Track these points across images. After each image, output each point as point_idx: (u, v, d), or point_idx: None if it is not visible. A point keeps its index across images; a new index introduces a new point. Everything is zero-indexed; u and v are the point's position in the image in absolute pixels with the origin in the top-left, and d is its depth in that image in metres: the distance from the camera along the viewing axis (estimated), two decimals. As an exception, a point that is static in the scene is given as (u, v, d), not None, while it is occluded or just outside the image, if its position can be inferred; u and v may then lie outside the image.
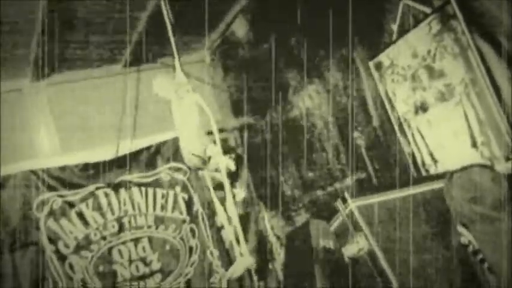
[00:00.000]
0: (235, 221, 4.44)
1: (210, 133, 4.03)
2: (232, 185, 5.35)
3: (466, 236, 3.60)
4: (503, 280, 3.31)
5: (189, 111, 3.91)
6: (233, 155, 5.24)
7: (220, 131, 4.57)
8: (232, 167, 4.22)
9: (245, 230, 5.26)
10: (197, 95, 3.95)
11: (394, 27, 4.57)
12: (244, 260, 4.19)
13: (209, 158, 4.04)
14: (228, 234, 5.10)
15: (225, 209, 4.74)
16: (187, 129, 3.97)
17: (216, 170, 4.22)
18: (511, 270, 3.28)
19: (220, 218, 5.06)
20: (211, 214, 5.30)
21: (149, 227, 5.08)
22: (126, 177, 5.09)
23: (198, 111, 3.93)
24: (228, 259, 5.22)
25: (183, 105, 3.89)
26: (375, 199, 3.87)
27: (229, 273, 4.49)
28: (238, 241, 4.17)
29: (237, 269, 4.28)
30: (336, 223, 4.10)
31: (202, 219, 5.30)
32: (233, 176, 5.41)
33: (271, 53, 5.33)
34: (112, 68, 5.35)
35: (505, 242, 3.33)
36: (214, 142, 4.05)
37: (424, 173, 4.50)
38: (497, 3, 3.69)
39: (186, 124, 3.95)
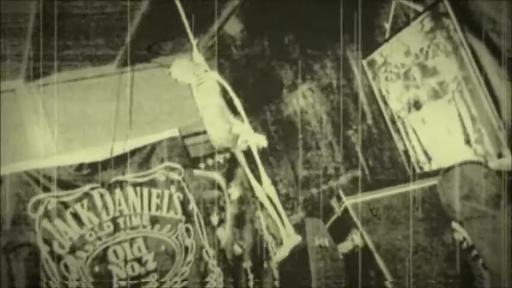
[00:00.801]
0: (276, 202, 4.36)
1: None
2: (227, 184, 5.37)
3: (460, 233, 3.62)
4: (502, 277, 3.33)
5: (210, 92, 3.86)
6: (226, 155, 5.25)
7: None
8: (265, 143, 4.13)
9: (240, 229, 5.27)
10: (216, 73, 3.92)
11: (387, 25, 4.59)
12: (291, 239, 4.15)
13: (237, 136, 3.98)
14: (267, 216, 4.99)
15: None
16: (211, 110, 3.92)
17: (245, 149, 4.15)
18: (506, 266, 3.30)
19: (261, 199, 4.98)
20: (207, 213, 5.30)
21: (144, 227, 5.07)
22: (121, 177, 5.07)
23: (220, 91, 3.89)
24: (223, 258, 5.22)
25: (204, 87, 3.85)
26: (370, 196, 3.89)
27: (278, 256, 4.44)
28: (282, 223, 4.14)
29: (285, 250, 4.22)
30: (330, 221, 4.12)
31: (198, 218, 5.30)
32: (228, 175, 5.42)
33: (265, 52, 5.34)
34: (106, 67, 5.34)
35: (499, 238, 3.35)
36: (242, 120, 4.00)
37: (418, 170, 4.52)
38: (490, 1, 3.71)
39: (209, 105, 3.90)
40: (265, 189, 4.39)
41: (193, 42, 3.94)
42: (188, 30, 3.92)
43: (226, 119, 3.93)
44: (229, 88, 3.87)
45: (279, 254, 4.43)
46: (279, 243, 4.78)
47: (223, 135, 3.96)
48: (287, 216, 4.56)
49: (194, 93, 3.94)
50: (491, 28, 3.75)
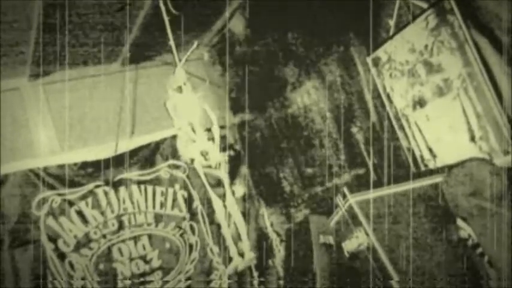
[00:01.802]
0: (237, 217, 4.45)
1: (208, 130, 4.03)
2: (232, 181, 5.38)
3: (465, 230, 3.62)
4: (503, 273, 3.32)
5: (188, 108, 3.91)
6: (230, 152, 5.26)
7: (219, 127, 4.59)
8: (225, 166, 4.23)
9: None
10: (198, 93, 3.96)
11: (391, 22, 4.58)
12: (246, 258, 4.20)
13: (206, 153, 4.04)
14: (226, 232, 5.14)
15: (224, 206, 4.76)
16: (186, 125, 3.97)
17: (213, 167, 4.23)
18: (506, 263, 3.30)
19: (218, 216, 5.09)
20: (211, 211, 5.30)
21: (149, 224, 5.08)
22: (126, 175, 5.08)
23: (198, 108, 3.93)
24: (228, 256, 5.23)
25: (182, 102, 3.89)
26: (374, 194, 3.88)
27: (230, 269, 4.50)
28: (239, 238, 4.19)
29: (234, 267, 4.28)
30: (335, 218, 4.11)
31: (202, 216, 5.30)
32: (232, 173, 5.43)
33: (269, 50, 5.33)
34: (110, 66, 5.34)
35: (504, 236, 3.34)
36: (213, 139, 4.06)
37: (422, 168, 4.51)
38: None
39: (185, 120, 3.95)
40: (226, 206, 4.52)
41: (177, 60, 3.98)
42: (173, 47, 3.95)
43: (201, 137, 4.01)
44: (207, 107, 3.94)
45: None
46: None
47: (192, 152, 4.04)
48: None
49: (170, 107, 3.99)
50: (496, 25, 3.74)
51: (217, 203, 5.12)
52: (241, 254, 4.42)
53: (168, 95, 3.99)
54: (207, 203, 5.30)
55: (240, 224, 4.71)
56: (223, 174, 4.23)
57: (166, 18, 3.92)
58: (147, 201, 5.13)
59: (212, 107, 4.62)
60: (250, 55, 5.47)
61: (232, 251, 5.10)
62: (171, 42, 3.92)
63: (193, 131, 3.99)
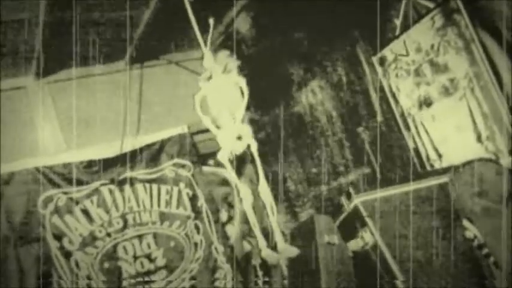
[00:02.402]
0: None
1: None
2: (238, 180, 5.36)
3: (471, 230, 3.61)
4: (505, 274, 3.31)
5: (227, 93, 3.87)
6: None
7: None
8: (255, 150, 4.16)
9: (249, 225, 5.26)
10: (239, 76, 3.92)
11: (398, 22, 4.57)
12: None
13: (239, 137, 3.99)
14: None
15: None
16: (224, 112, 3.91)
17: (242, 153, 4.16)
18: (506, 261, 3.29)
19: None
20: (216, 210, 5.30)
21: (154, 223, 5.08)
22: (131, 173, 5.08)
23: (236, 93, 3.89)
24: (232, 255, 5.22)
25: (219, 88, 3.85)
26: (380, 194, 3.87)
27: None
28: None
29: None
30: (340, 218, 4.11)
31: (207, 215, 5.30)
32: (237, 172, 5.42)
33: (275, 49, 5.33)
34: (116, 64, 5.35)
35: (510, 236, 3.33)
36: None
37: (428, 168, 4.50)
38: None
39: (224, 107, 3.89)
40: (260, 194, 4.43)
41: (204, 50, 3.93)
42: (200, 40, 3.91)
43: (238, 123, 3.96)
44: (246, 91, 3.89)
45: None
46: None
47: (231, 138, 3.98)
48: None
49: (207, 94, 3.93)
50: (502, 24, 3.72)
51: (246, 193, 4.90)
52: (273, 247, 4.34)
53: (200, 85, 3.93)
54: (212, 201, 5.30)
55: (252, 221, 4.61)
56: (255, 159, 4.12)
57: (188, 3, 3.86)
58: (152, 200, 5.12)
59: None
60: (256, 54, 5.47)
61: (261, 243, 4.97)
62: (195, 28, 3.87)
63: (231, 117, 3.94)
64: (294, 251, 4.12)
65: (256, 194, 4.72)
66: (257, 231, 4.36)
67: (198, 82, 3.96)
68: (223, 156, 4.11)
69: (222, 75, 3.93)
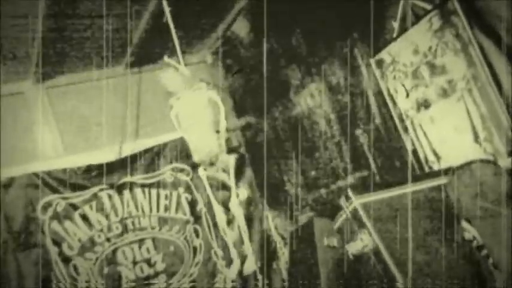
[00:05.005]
0: (240, 221, 4.42)
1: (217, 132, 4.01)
2: (236, 184, 5.36)
3: (470, 232, 3.60)
4: (504, 276, 3.30)
5: (201, 108, 3.89)
6: (235, 155, 5.26)
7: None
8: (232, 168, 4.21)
9: (248, 229, 5.26)
10: (213, 91, 3.94)
11: (395, 24, 4.57)
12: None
13: (217, 156, 4.02)
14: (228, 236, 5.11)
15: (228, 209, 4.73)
16: (198, 126, 3.94)
17: (223, 170, 4.21)
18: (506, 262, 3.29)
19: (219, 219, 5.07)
20: (214, 214, 5.29)
21: (153, 228, 5.08)
22: (130, 178, 5.09)
23: (211, 108, 3.91)
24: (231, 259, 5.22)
25: (194, 102, 3.87)
26: (379, 196, 3.86)
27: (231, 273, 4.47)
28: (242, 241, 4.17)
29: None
30: (339, 221, 4.10)
31: (206, 219, 5.30)
32: (236, 176, 5.42)
33: (272, 53, 5.33)
34: (114, 69, 5.35)
35: (509, 237, 3.32)
36: (225, 140, 4.04)
37: (427, 170, 4.49)
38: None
39: (197, 121, 3.92)
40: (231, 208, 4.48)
41: (181, 60, 3.97)
42: (178, 48, 3.95)
43: (212, 138, 3.99)
44: (221, 106, 3.93)
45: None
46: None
47: (209, 151, 4.01)
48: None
49: (178, 107, 3.97)
50: (500, 26, 3.72)
51: (217, 207, 5.09)
52: (243, 258, 4.39)
53: (171, 103, 3.97)
54: (211, 206, 5.29)
55: (243, 228, 4.68)
56: (230, 176, 4.19)
57: (170, 20, 3.91)
58: (151, 205, 5.12)
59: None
60: (253, 58, 5.47)
61: (233, 253, 5.08)
62: (176, 45, 3.91)
63: (203, 134, 3.97)
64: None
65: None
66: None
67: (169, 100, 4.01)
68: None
69: (191, 92, 3.96)
